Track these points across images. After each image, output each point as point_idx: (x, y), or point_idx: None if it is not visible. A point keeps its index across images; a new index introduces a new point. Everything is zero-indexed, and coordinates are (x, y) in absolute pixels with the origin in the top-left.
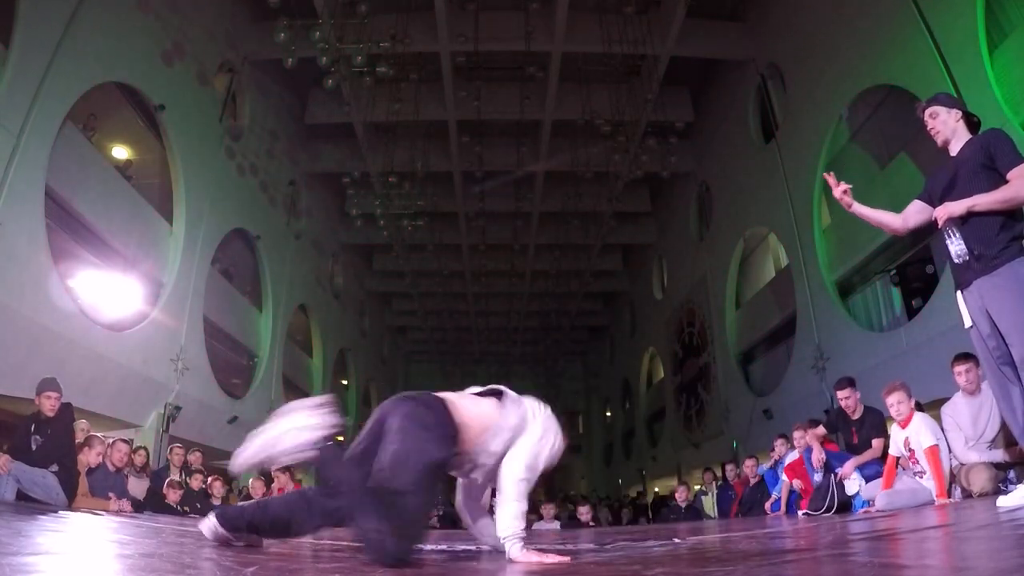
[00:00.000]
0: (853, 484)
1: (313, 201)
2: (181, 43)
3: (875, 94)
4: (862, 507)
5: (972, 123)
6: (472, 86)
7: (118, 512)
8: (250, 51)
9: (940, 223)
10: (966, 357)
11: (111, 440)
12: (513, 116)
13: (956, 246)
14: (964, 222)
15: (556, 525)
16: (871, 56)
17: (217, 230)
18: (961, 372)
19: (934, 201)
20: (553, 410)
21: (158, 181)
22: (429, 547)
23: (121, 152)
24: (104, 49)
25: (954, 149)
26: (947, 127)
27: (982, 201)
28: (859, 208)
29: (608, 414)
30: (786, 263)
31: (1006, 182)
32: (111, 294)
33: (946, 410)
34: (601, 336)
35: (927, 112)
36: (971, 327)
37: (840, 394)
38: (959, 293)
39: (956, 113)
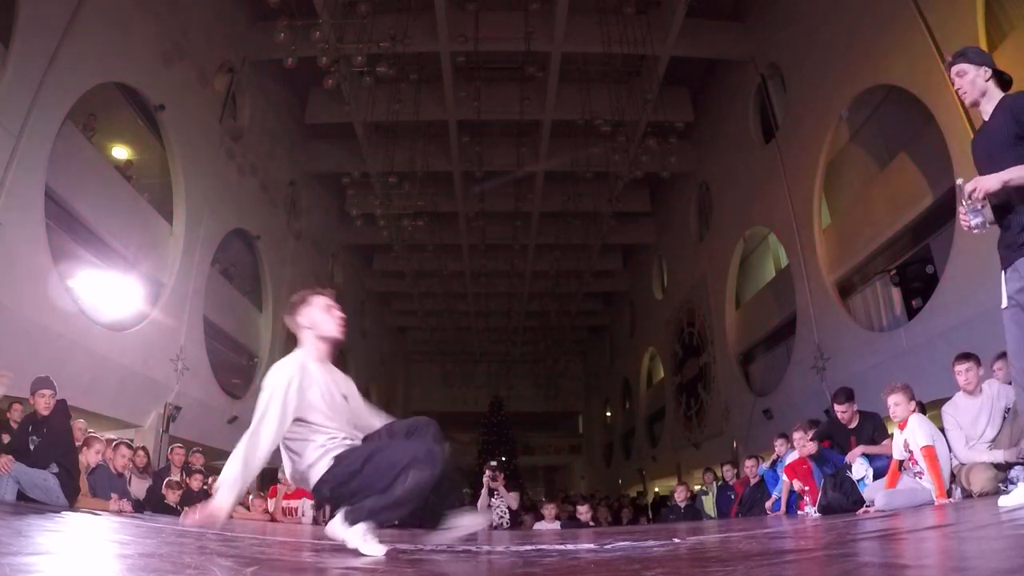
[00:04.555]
0: (860, 468)
1: (313, 201)
2: (181, 43)
3: (875, 94)
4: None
5: (1004, 81)
6: (472, 86)
7: (119, 512)
8: (250, 51)
9: (973, 196)
10: (966, 356)
11: (114, 442)
12: (513, 116)
13: (976, 218)
14: (1007, 202)
15: (556, 525)
16: (871, 56)
17: (217, 230)
18: (961, 371)
19: (977, 170)
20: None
21: (158, 181)
22: (429, 547)
23: (121, 152)
24: (104, 49)
25: (985, 111)
26: (975, 87)
27: (1018, 175)
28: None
29: (608, 414)
30: (786, 263)
31: None
32: (111, 294)
33: (947, 410)
34: (601, 336)
35: (954, 70)
36: (1006, 308)
37: (838, 408)
38: (1003, 272)
39: (985, 71)
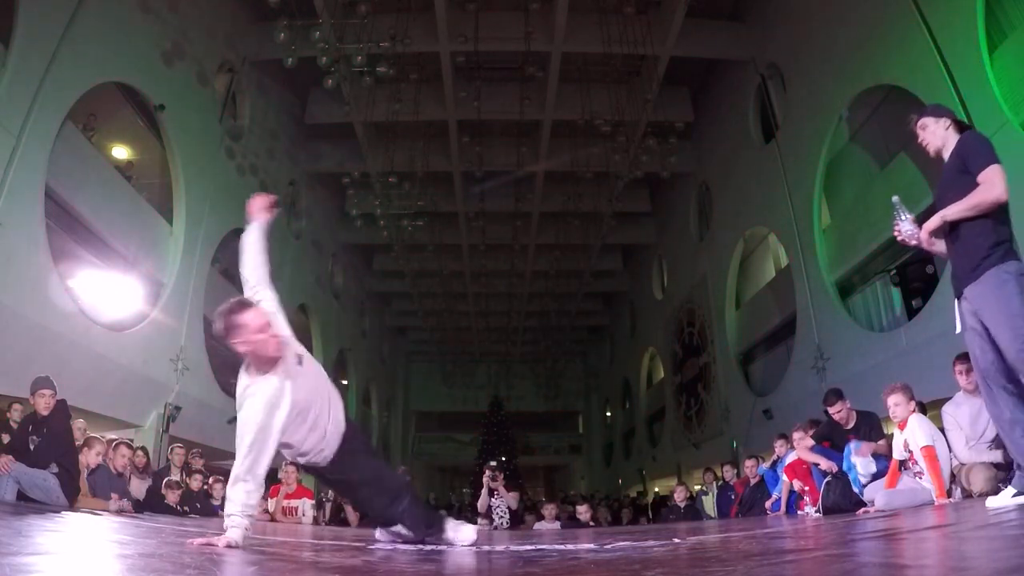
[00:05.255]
0: (869, 464)
1: (313, 201)
2: (181, 43)
3: (875, 94)
4: (860, 488)
5: (963, 129)
6: (472, 86)
7: (118, 512)
8: (250, 51)
9: (922, 239)
10: (967, 356)
11: (114, 442)
12: (513, 116)
13: (907, 229)
14: (953, 235)
15: (556, 525)
16: (871, 56)
17: (217, 230)
18: (962, 371)
19: (937, 206)
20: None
21: (158, 181)
22: (429, 547)
23: (121, 152)
24: (104, 49)
25: (946, 157)
26: (936, 137)
27: (952, 211)
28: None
29: (608, 414)
30: (786, 263)
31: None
32: (111, 294)
33: (947, 410)
34: (601, 336)
35: (917, 125)
36: (961, 332)
37: (831, 410)
38: (956, 301)
39: (944, 121)
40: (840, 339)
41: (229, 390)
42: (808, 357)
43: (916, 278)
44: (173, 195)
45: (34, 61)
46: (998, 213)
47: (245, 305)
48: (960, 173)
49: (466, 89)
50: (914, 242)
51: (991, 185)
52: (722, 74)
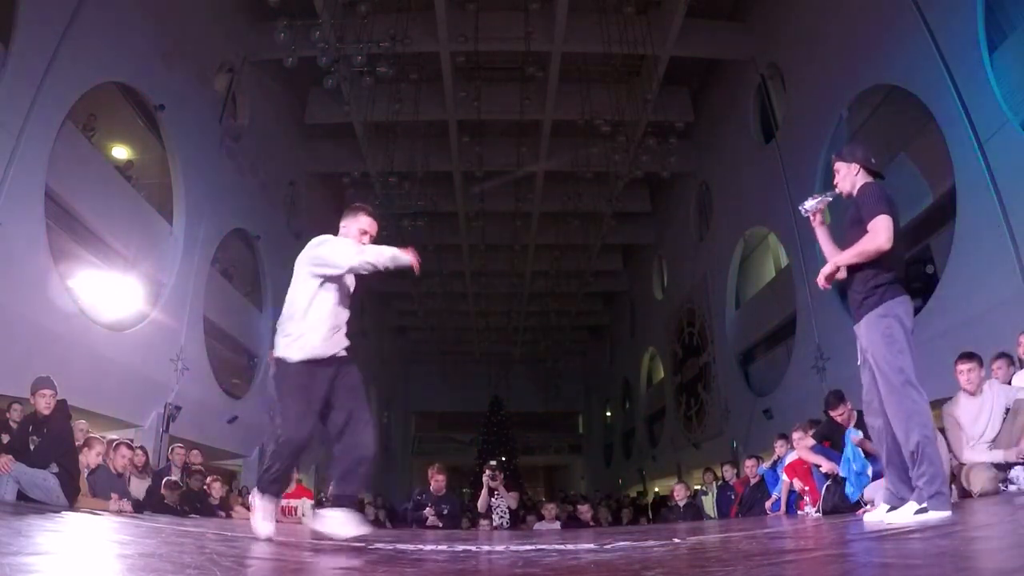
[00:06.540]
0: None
1: (313, 201)
2: (181, 43)
3: (875, 94)
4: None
5: (873, 172)
6: (472, 86)
7: (118, 512)
8: (250, 51)
9: (814, 224)
10: (969, 357)
11: (114, 442)
12: (513, 116)
13: (810, 202)
14: (848, 274)
15: (556, 525)
16: (871, 56)
17: (217, 230)
18: (963, 371)
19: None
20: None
21: (158, 181)
22: (429, 547)
23: (121, 152)
24: (104, 49)
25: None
26: (847, 181)
27: (842, 258)
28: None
29: (608, 414)
30: (786, 263)
31: None
32: (111, 294)
33: (947, 409)
34: (601, 336)
35: (834, 167)
36: (861, 364)
37: (834, 413)
38: (856, 328)
39: (854, 167)
40: (840, 339)
41: (229, 390)
42: (808, 357)
43: (915, 278)
44: (173, 195)
45: (34, 61)
46: (884, 259)
47: (368, 214)
48: (858, 221)
49: (466, 89)
50: (807, 215)
51: (875, 235)
52: (722, 74)
